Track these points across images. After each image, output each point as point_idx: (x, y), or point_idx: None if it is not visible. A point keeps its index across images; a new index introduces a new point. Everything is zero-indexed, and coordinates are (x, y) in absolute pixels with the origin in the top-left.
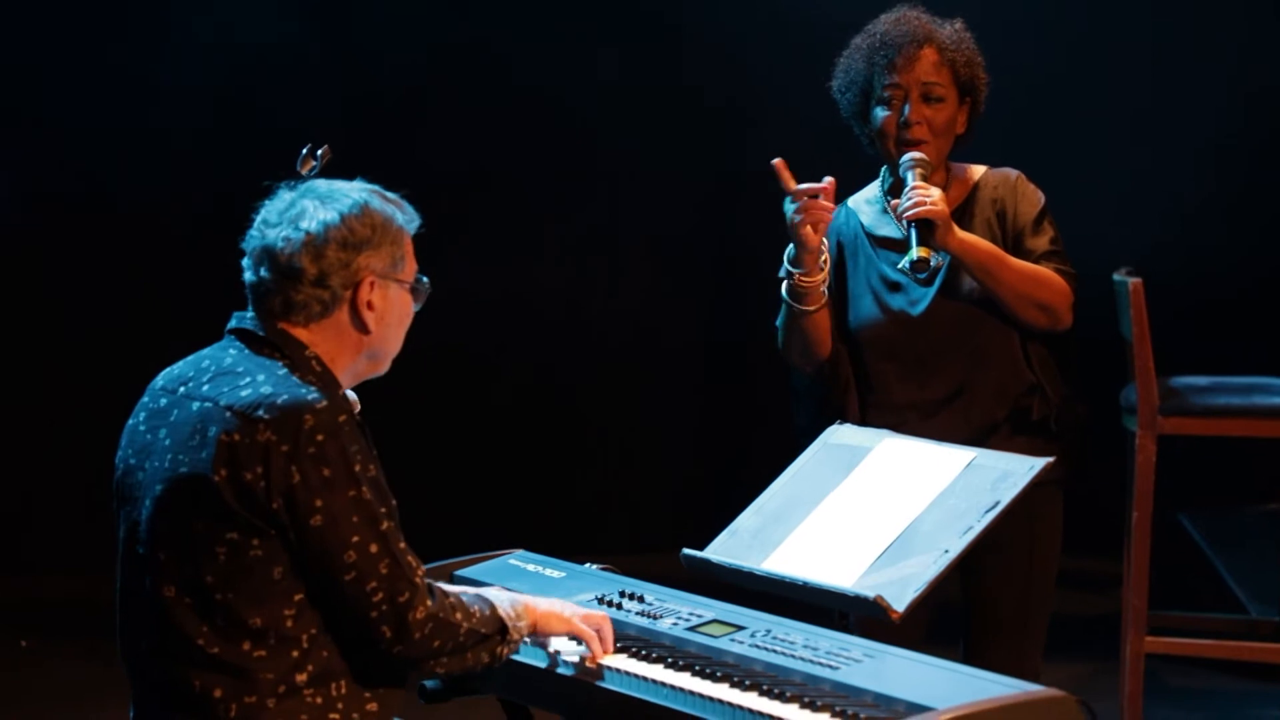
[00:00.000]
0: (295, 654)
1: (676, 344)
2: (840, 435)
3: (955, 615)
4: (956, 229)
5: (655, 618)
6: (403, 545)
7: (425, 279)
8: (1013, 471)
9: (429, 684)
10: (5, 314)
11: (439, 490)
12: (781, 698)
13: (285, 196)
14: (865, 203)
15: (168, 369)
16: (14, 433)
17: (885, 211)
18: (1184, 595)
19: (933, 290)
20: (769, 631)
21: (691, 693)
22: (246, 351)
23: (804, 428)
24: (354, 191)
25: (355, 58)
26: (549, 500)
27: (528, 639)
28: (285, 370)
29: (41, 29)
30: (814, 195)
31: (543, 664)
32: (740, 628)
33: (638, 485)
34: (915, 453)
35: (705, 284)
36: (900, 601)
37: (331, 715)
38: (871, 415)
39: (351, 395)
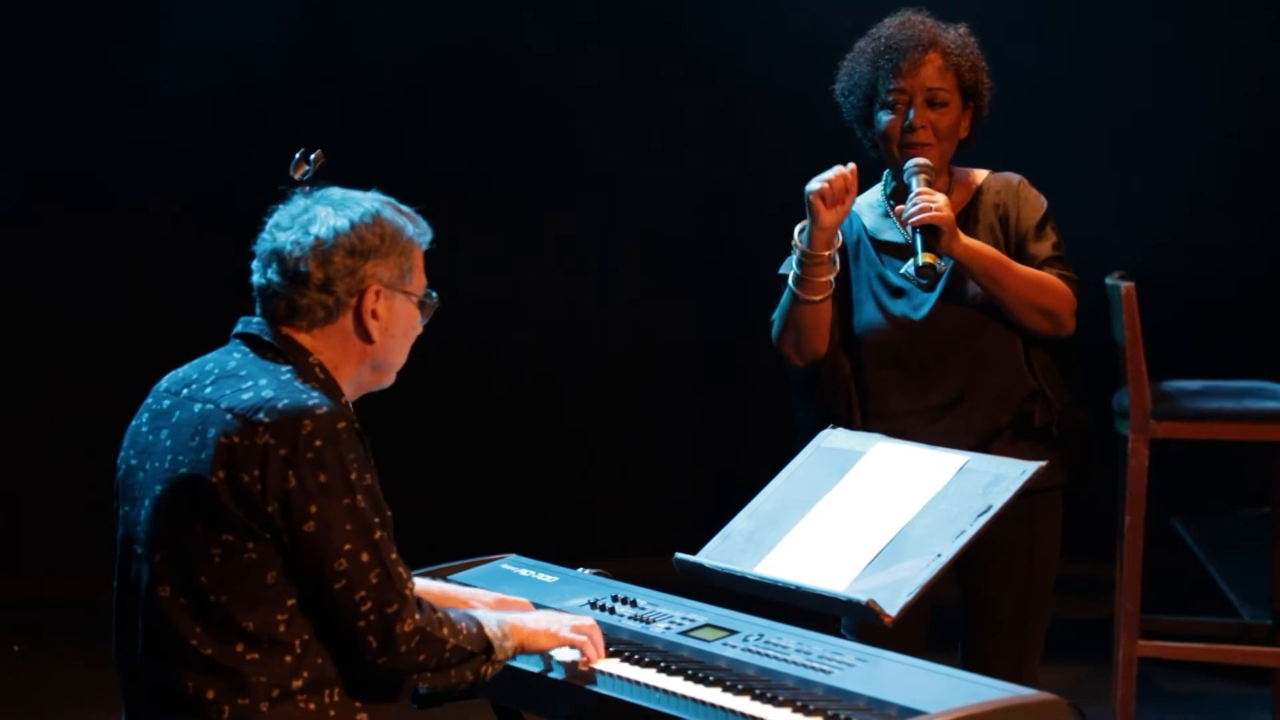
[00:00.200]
0: (288, 659)
1: (670, 348)
2: (833, 439)
3: (954, 618)
4: (961, 235)
5: (648, 622)
6: (394, 556)
7: (434, 294)
8: (1005, 475)
9: (421, 689)
10: (3, 314)
11: (431, 494)
12: (774, 702)
13: (299, 202)
14: (868, 206)
15: (172, 372)
16: (11, 433)
17: (888, 215)
18: (1176, 599)
19: (935, 295)
20: (761, 635)
21: (684, 697)
22: (251, 355)
23: (803, 427)
24: (367, 201)
25: (353, 58)
26: (542, 504)
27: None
28: (289, 375)
29: (41, 30)
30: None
31: (535, 669)
32: (733, 632)
33: (631, 489)
34: (908, 457)
35: (701, 288)
36: (893, 606)
37: None
38: (873, 421)
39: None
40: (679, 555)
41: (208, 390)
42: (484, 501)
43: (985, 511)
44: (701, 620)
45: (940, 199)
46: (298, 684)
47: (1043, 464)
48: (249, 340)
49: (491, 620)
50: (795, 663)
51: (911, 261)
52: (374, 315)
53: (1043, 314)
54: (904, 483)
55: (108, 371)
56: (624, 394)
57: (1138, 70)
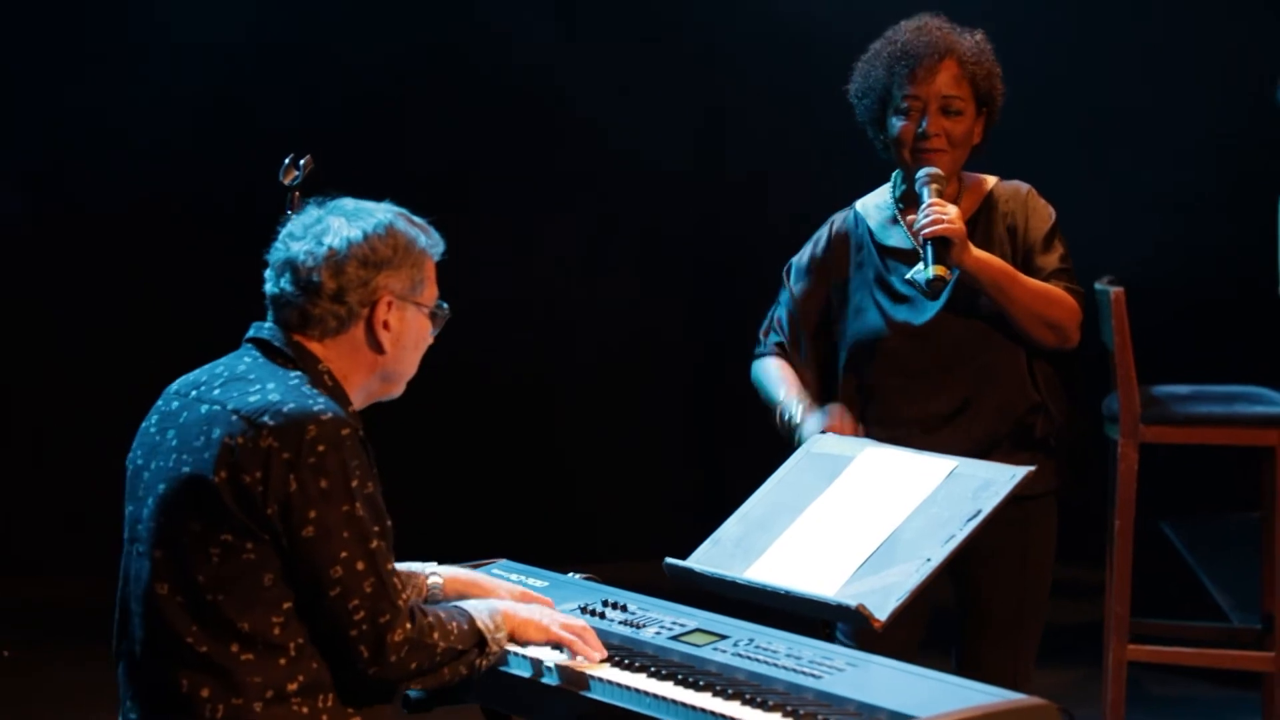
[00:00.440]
0: (282, 661)
1: (661, 353)
2: (823, 444)
3: (951, 621)
4: (971, 247)
5: (638, 627)
6: (390, 567)
7: (445, 305)
8: (994, 480)
9: (412, 693)
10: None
11: (422, 498)
12: (764, 706)
13: (312, 212)
14: (874, 207)
15: (184, 375)
16: (7, 434)
17: (896, 220)
18: (1166, 603)
19: (939, 303)
20: (752, 640)
21: (674, 701)
22: (262, 360)
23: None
24: (380, 212)
25: (350, 57)
26: (532, 509)
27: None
28: (297, 381)
29: (38, 30)
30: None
31: (526, 674)
32: (723, 636)
33: (621, 494)
34: (897, 461)
35: (693, 291)
36: (882, 610)
37: None
38: (874, 427)
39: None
40: (669, 560)
41: (216, 392)
42: (474, 506)
43: (975, 516)
44: (692, 625)
45: (952, 211)
46: (292, 687)
47: (1031, 469)
48: (260, 345)
49: (483, 610)
50: (785, 667)
51: (919, 269)
52: (385, 326)
53: (1049, 327)
54: (894, 487)
55: (103, 373)
56: (615, 398)
57: (1130, 72)
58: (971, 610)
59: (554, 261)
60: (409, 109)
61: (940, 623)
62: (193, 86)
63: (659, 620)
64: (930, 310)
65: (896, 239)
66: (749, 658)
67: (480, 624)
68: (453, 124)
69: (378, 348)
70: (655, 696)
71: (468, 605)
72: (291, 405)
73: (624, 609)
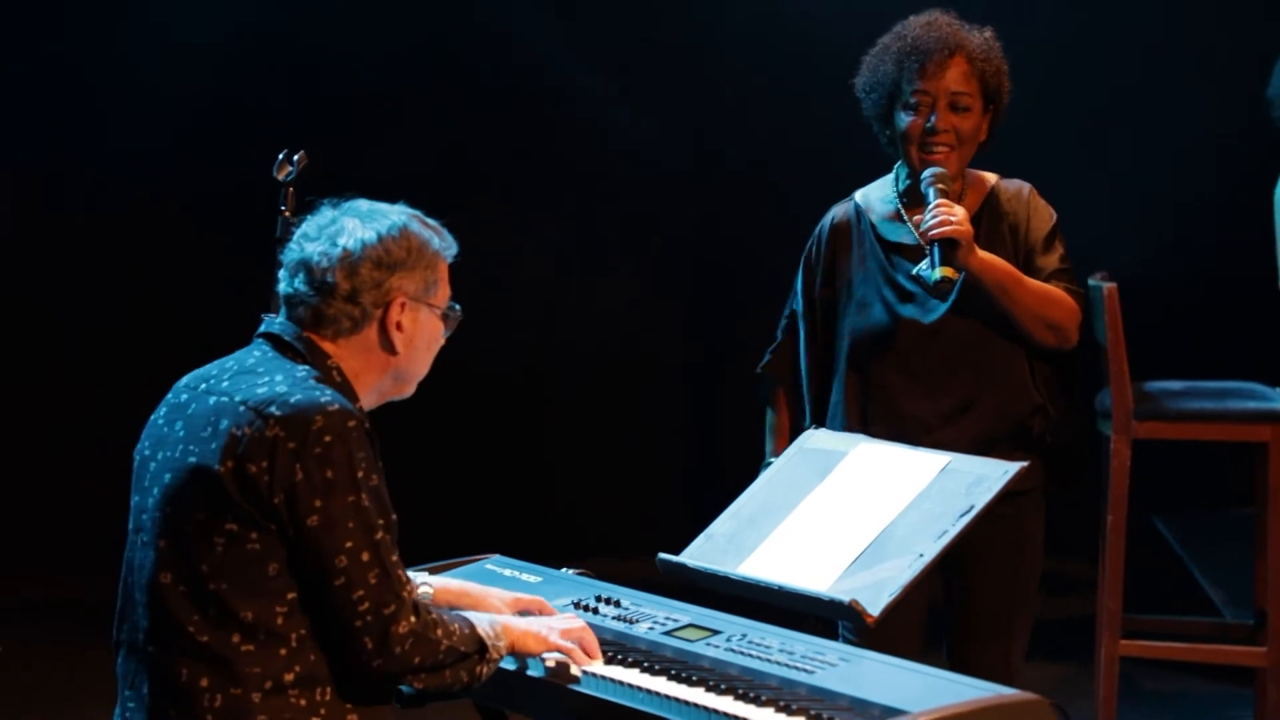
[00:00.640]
0: (283, 652)
1: (655, 348)
2: (815, 440)
3: (939, 618)
4: (977, 248)
5: (631, 622)
6: (395, 559)
7: (457, 306)
8: (987, 476)
9: (406, 689)
10: None
11: (416, 494)
12: (757, 701)
13: (327, 213)
14: (878, 201)
15: (196, 370)
16: (2, 433)
17: (899, 215)
18: (1158, 599)
19: (948, 303)
20: (744, 635)
21: (667, 697)
22: (272, 354)
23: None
24: (394, 213)
25: (350, 55)
26: (526, 504)
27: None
28: (305, 374)
29: (38, 29)
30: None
31: (517, 668)
32: (716, 632)
33: (614, 489)
34: (890, 457)
35: (685, 288)
36: (875, 605)
37: (313, 719)
38: (876, 424)
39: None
40: (662, 555)
41: (225, 385)
42: (469, 501)
43: (968, 511)
44: (685, 620)
45: (960, 212)
46: (290, 678)
47: (1024, 464)
48: (271, 339)
49: (484, 621)
50: (778, 663)
51: (924, 264)
52: (398, 327)
53: (1050, 328)
54: (886, 483)
55: (94, 374)
56: (609, 394)
57: (1123, 71)
58: (962, 606)
59: (549, 258)
60: (407, 107)
61: (930, 618)
62: (191, 86)
63: (652, 615)
64: (939, 309)
65: (900, 234)
66: (742, 653)
67: (481, 631)
68: (451, 122)
69: (390, 348)
70: (648, 692)
71: (468, 614)
72: (299, 397)
73: (617, 604)
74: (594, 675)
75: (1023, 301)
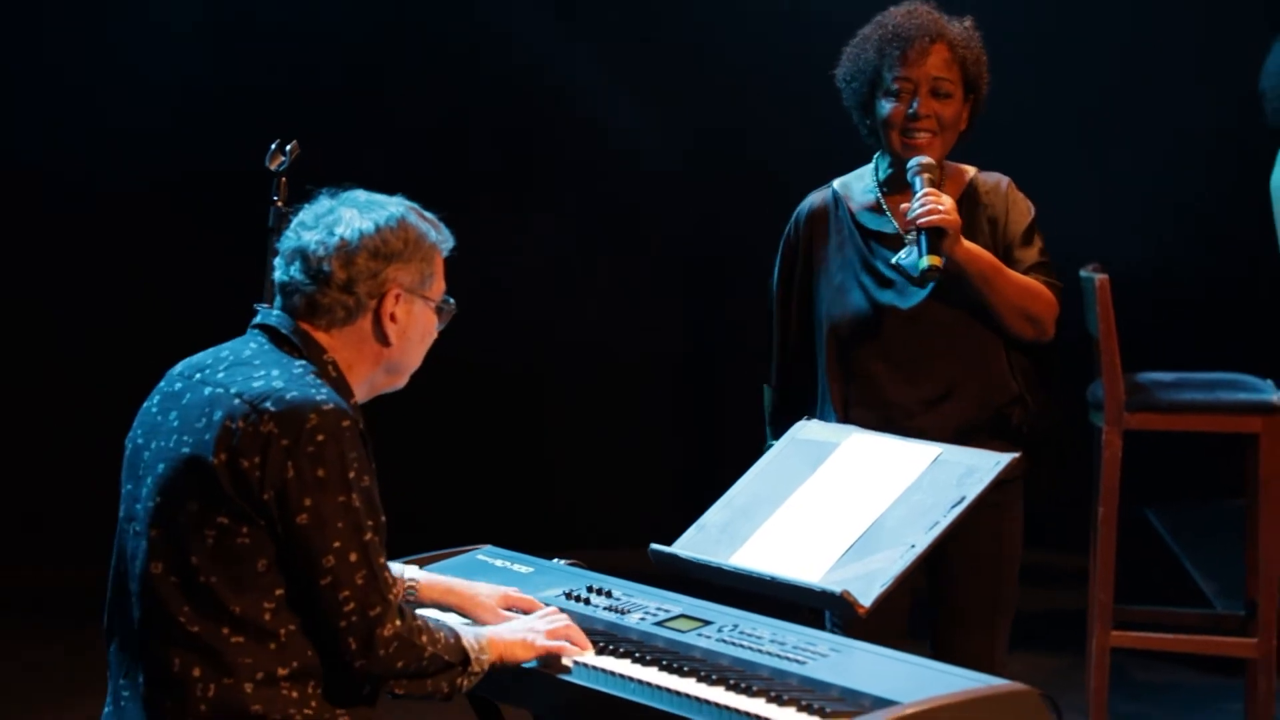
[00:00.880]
0: (272, 646)
1: (649, 342)
2: (807, 431)
3: (923, 607)
4: (962, 238)
5: (623, 613)
6: (383, 561)
7: (451, 300)
8: (978, 467)
9: (397, 694)
10: None
11: (409, 484)
12: (748, 692)
13: (325, 202)
14: (859, 190)
15: (189, 357)
16: None
17: (880, 205)
18: (1150, 590)
19: (926, 290)
20: (736, 626)
21: (659, 687)
22: (268, 346)
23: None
24: (392, 205)
25: (348, 54)
26: (518, 495)
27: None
28: (301, 369)
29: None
30: None
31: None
32: (707, 622)
33: (607, 480)
34: (881, 448)
35: (679, 281)
36: (867, 596)
37: (305, 711)
38: (856, 409)
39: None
40: (654, 546)
41: (220, 375)
42: (461, 492)
43: (959, 503)
44: (676, 611)
45: (948, 201)
46: (283, 671)
47: (1016, 455)
48: (267, 331)
49: (469, 633)
50: (769, 653)
51: (905, 255)
52: (393, 318)
53: (1028, 320)
54: (878, 474)
55: (82, 368)
56: (602, 387)
57: (1116, 65)
58: (946, 596)
59: (547, 255)
60: (406, 105)
61: (924, 610)
62: (189, 84)
63: (643, 606)
64: (917, 296)
65: (879, 224)
66: (733, 643)
67: (465, 643)
68: (450, 121)
69: (384, 340)
70: (640, 682)
71: (454, 624)
72: (294, 393)
73: (609, 595)
74: (585, 666)
75: (1004, 293)
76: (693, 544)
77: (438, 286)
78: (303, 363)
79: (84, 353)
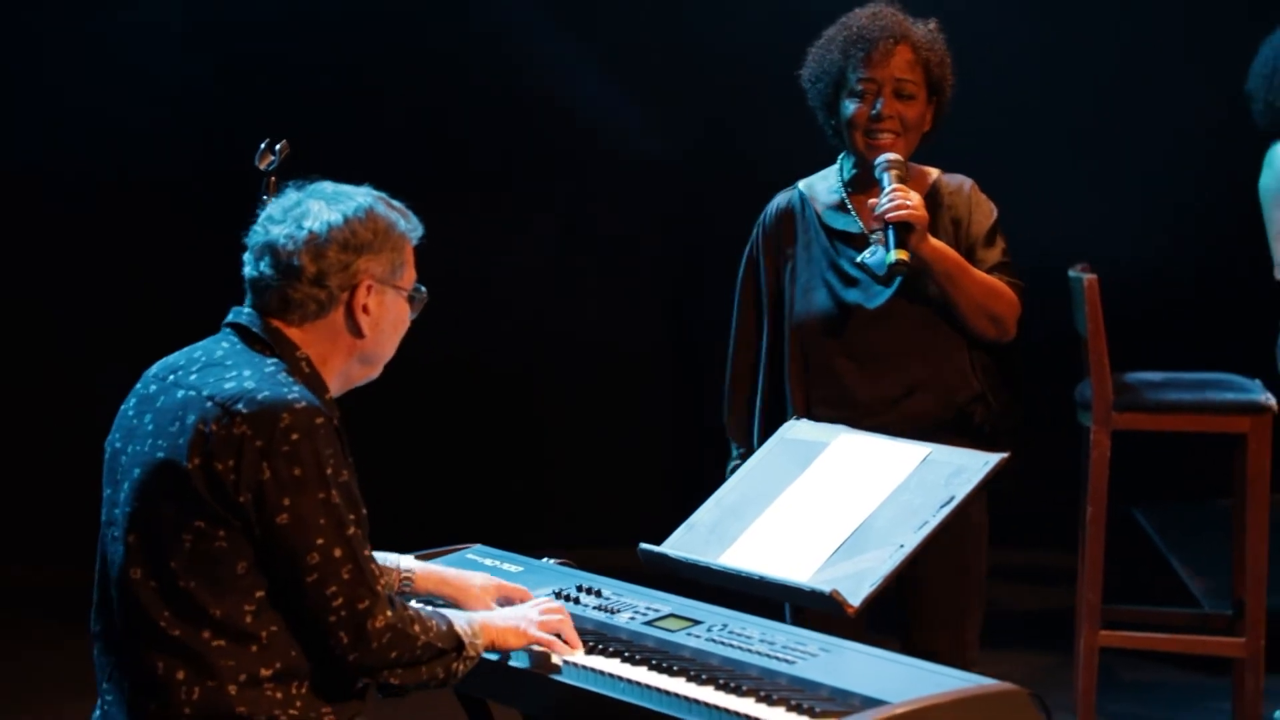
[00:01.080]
0: (254, 649)
1: (638, 339)
2: (797, 430)
3: (890, 606)
4: (930, 235)
5: (612, 612)
6: (368, 553)
7: (423, 288)
8: (967, 467)
9: (393, 684)
10: None
11: (397, 484)
12: (738, 691)
13: (292, 195)
14: (824, 190)
15: (163, 358)
16: None
17: (845, 205)
18: (1137, 589)
19: (891, 289)
20: (725, 626)
21: (648, 687)
22: (240, 346)
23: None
24: (360, 195)
25: (345, 53)
26: (507, 494)
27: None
28: (274, 368)
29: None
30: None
31: (499, 658)
32: (697, 622)
33: (596, 480)
34: (871, 448)
35: (669, 281)
36: (856, 596)
37: (290, 711)
38: (818, 408)
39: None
40: (643, 546)
41: (193, 377)
42: (450, 491)
43: (948, 503)
44: (666, 610)
45: (915, 197)
46: (267, 673)
47: (1005, 455)
48: (239, 330)
49: (461, 619)
50: (759, 653)
51: (871, 253)
52: (365, 310)
53: (991, 319)
54: (867, 474)
55: (82, 367)
56: (591, 384)
57: (1102, 60)
58: (914, 595)
59: (542, 254)
60: (405, 105)
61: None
62: (187, 82)
63: (633, 605)
64: (882, 295)
65: (844, 223)
66: (723, 643)
67: (459, 629)
68: (449, 120)
69: (357, 331)
70: (629, 681)
71: (446, 612)
72: (266, 393)
73: (598, 594)
74: (575, 665)
75: (968, 291)
76: (682, 543)
77: (409, 275)
78: (274, 361)
79: (84, 353)
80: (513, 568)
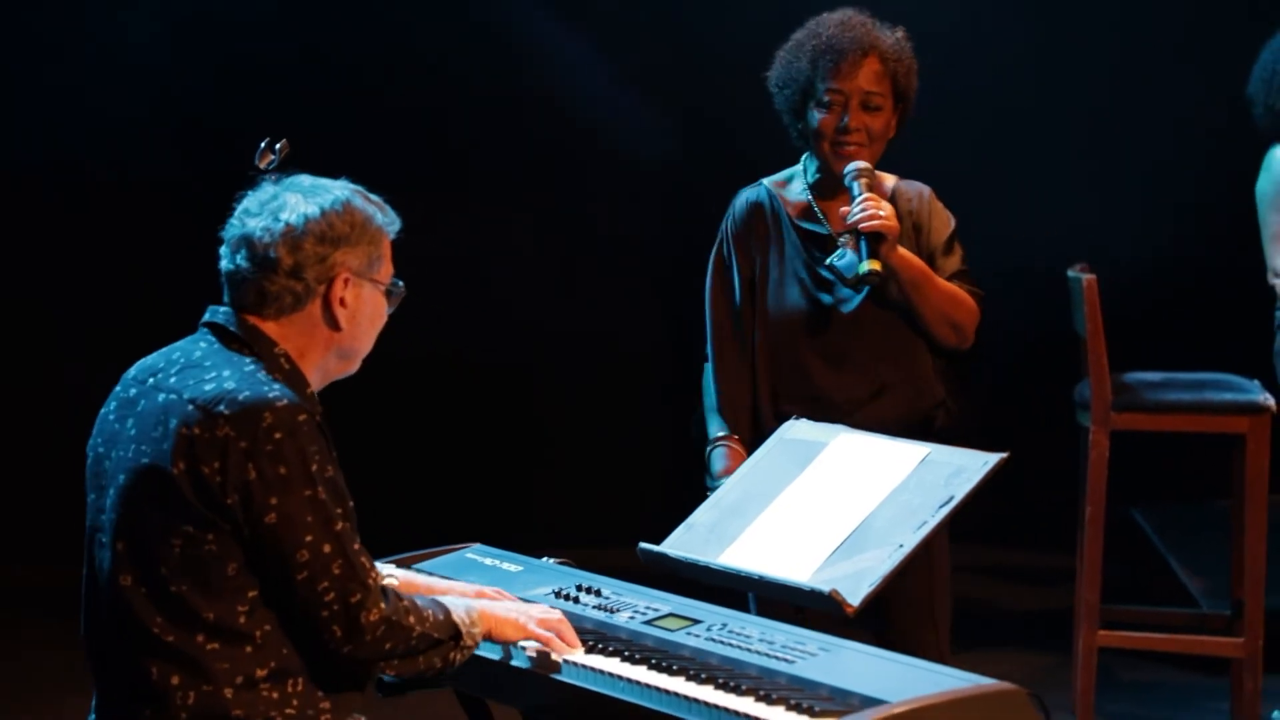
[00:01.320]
0: (249, 649)
1: (637, 339)
2: (796, 430)
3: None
4: (899, 245)
5: (612, 611)
6: (357, 546)
7: (400, 283)
8: (966, 467)
9: (386, 678)
10: None
11: (397, 484)
12: (737, 691)
13: (268, 188)
14: (789, 193)
15: (141, 360)
16: None
17: (812, 207)
18: (1136, 590)
19: (863, 291)
20: (725, 625)
21: (648, 686)
22: (217, 345)
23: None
24: (337, 188)
25: (343, 52)
26: (507, 494)
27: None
28: (253, 367)
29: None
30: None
31: (498, 657)
32: (696, 621)
33: (596, 479)
34: (870, 448)
35: (667, 281)
36: (855, 596)
37: (288, 710)
38: (785, 404)
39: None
40: (643, 545)
41: (172, 380)
42: (450, 491)
43: (947, 502)
44: (665, 610)
45: (887, 207)
46: (262, 673)
47: (1004, 455)
48: (216, 330)
49: (460, 606)
50: (758, 652)
51: (840, 256)
52: (342, 303)
53: (953, 327)
54: (866, 474)
55: (82, 367)
56: (591, 384)
57: (1105, 64)
58: (886, 595)
59: (537, 252)
60: (404, 105)
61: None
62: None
63: (633, 605)
64: (854, 299)
65: (814, 225)
66: (722, 642)
67: (456, 617)
68: (448, 121)
69: (334, 324)
70: (629, 681)
71: (443, 599)
72: (247, 393)
73: (598, 594)
74: (575, 664)
75: (932, 299)
76: (681, 543)
77: (386, 269)
78: (253, 359)
79: (83, 352)
80: (512, 567)
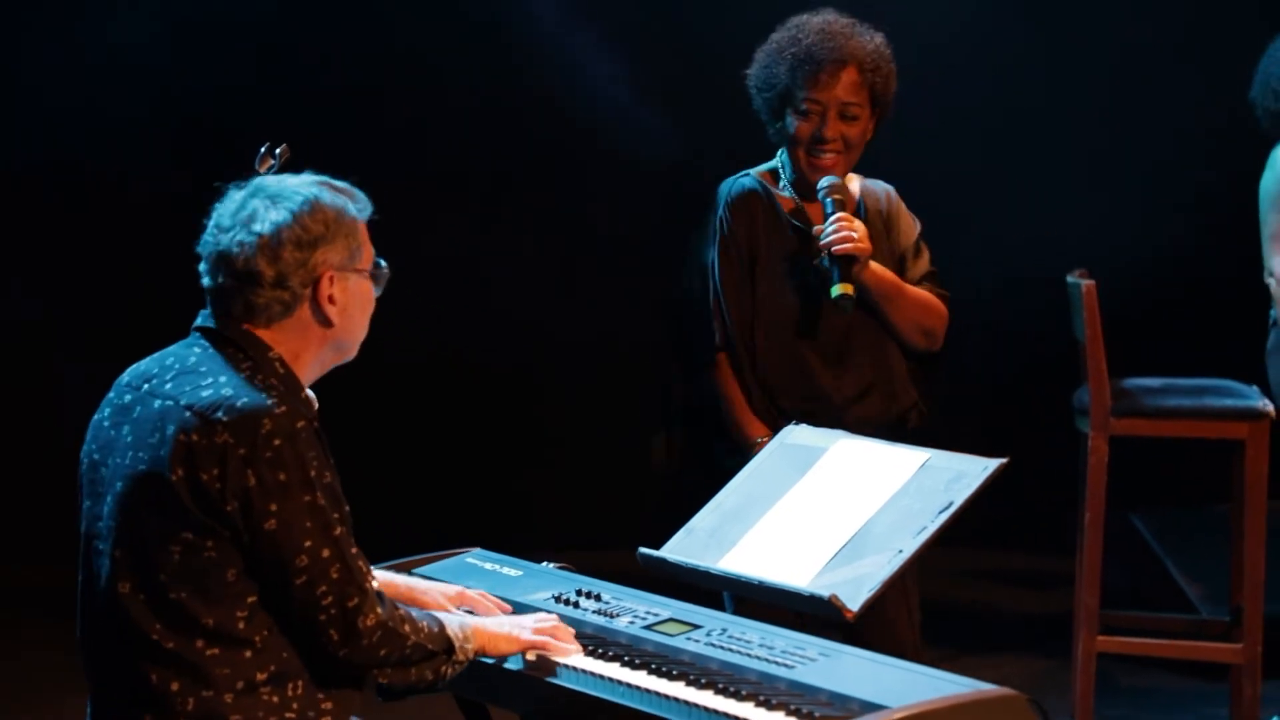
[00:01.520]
0: (248, 654)
1: (636, 341)
2: (796, 435)
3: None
4: (871, 262)
5: (612, 616)
6: (354, 551)
7: (383, 263)
8: (966, 472)
9: (382, 684)
10: None
11: (396, 488)
12: (737, 696)
13: (235, 197)
14: (779, 188)
15: (134, 365)
16: None
17: (798, 204)
18: (1135, 595)
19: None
20: (725, 630)
21: (647, 691)
22: (211, 350)
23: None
24: (303, 187)
25: (343, 52)
26: (506, 496)
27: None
28: (248, 372)
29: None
30: None
31: (500, 661)
32: (696, 626)
33: (595, 483)
34: (870, 453)
35: (665, 282)
36: (854, 601)
37: (288, 714)
38: (779, 398)
39: (308, 394)
40: (643, 550)
41: (168, 386)
42: (448, 497)
43: (947, 508)
44: (665, 615)
45: (861, 228)
46: (262, 677)
47: (1004, 460)
48: (209, 335)
49: (454, 622)
50: (758, 657)
51: (818, 262)
52: (331, 300)
53: (924, 333)
54: (866, 479)
55: (82, 368)
56: (586, 388)
57: (1099, 66)
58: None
59: (537, 253)
60: (404, 106)
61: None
62: (188, 80)
63: (633, 610)
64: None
65: (800, 221)
66: (722, 647)
67: (450, 632)
68: (448, 121)
69: (326, 322)
70: (628, 685)
71: (438, 614)
72: (244, 400)
73: (598, 598)
74: (574, 669)
75: (904, 310)
76: (681, 548)
77: (367, 254)
78: (248, 364)
79: (84, 353)
80: (512, 571)
